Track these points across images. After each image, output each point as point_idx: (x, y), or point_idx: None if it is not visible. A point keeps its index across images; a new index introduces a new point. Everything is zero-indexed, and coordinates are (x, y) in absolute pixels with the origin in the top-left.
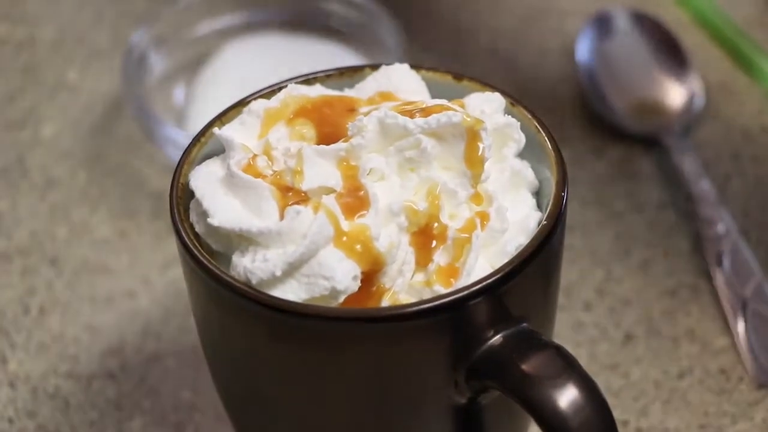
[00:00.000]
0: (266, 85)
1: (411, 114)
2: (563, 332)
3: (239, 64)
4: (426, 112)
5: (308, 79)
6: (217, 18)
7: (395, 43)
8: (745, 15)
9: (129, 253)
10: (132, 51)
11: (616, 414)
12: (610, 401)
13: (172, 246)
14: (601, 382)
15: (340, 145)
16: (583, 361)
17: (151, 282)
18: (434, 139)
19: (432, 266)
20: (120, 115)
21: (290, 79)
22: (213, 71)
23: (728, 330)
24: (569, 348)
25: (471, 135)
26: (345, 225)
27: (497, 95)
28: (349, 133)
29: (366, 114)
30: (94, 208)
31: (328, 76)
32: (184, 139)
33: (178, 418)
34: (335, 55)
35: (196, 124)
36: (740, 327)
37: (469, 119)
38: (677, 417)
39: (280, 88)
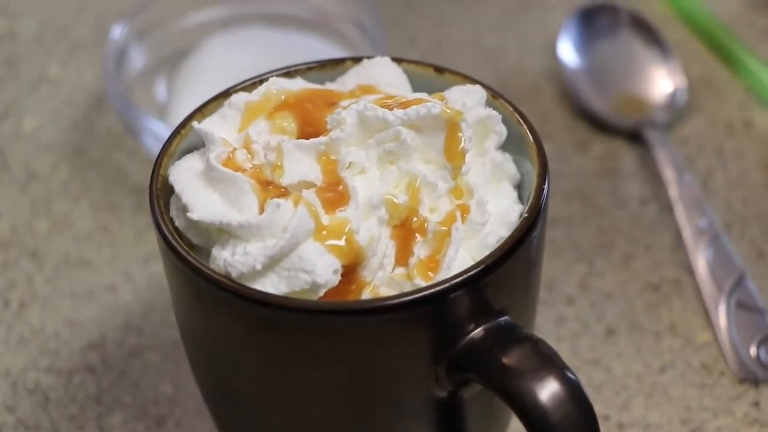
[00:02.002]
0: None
1: (390, 107)
2: (545, 326)
3: (221, 58)
4: (405, 104)
5: (289, 72)
6: (198, 11)
7: (378, 36)
8: (728, 10)
9: (110, 247)
10: (113, 44)
11: (598, 408)
12: (592, 396)
13: (153, 240)
14: (582, 376)
15: (320, 139)
16: (565, 355)
17: (133, 276)
18: (414, 131)
19: (412, 259)
20: (102, 109)
21: (271, 72)
22: (195, 65)
23: (710, 324)
24: (551, 342)
25: (451, 127)
26: (325, 219)
27: (478, 87)
28: (328, 126)
29: (346, 108)
30: (75, 201)
31: (309, 69)
32: (165, 132)
33: (159, 413)
34: (318, 48)
35: (178, 118)
36: (722, 322)
37: (448, 111)
38: (659, 411)
39: (261, 81)
